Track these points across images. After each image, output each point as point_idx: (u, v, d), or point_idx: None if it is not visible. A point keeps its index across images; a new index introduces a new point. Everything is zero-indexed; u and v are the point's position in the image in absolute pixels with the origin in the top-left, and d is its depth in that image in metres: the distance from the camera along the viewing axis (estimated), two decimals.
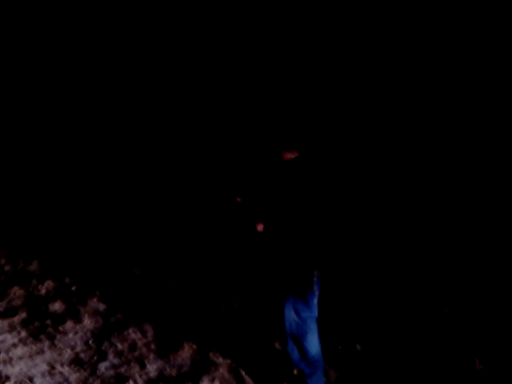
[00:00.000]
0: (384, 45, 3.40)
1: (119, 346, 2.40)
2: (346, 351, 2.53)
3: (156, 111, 4.66)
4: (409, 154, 3.51)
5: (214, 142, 4.28)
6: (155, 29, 4.28)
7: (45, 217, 4.30)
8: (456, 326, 2.74)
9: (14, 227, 4.06)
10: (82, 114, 4.89)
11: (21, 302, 2.80)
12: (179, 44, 4.25)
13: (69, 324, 2.57)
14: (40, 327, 2.51)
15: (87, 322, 2.60)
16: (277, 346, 2.51)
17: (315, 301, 1.97)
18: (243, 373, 2.25)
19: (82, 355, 2.29)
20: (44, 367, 2.16)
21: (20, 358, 2.21)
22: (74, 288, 3.02)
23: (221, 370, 2.26)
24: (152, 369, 2.24)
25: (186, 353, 2.39)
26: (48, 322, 2.59)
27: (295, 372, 2.04)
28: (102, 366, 2.22)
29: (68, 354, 2.29)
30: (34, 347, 2.31)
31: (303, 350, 1.98)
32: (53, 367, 2.17)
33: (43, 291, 2.97)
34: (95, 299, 2.88)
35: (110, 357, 2.30)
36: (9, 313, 2.66)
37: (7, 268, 3.27)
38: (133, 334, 2.52)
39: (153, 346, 2.42)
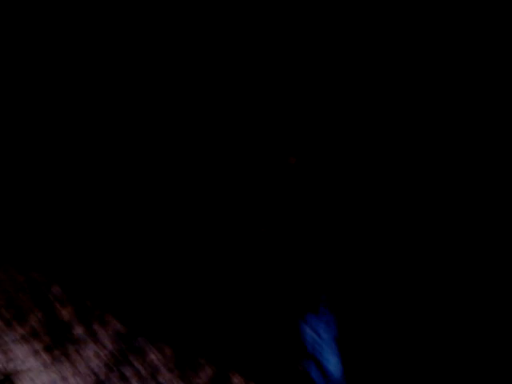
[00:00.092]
0: (387, 50, 3.41)
1: (140, 368, 2.43)
2: (366, 369, 2.50)
3: (158, 117, 4.66)
4: (412, 158, 3.50)
5: (218, 147, 4.29)
6: (156, 30, 4.28)
7: (64, 240, 4.38)
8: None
9: (35, 251, 4.16)
10: (80, 116, 4.87)
11: (43, 327, 2.86)
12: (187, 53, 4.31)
13: (91, 347, 2.61)
14: (63, 351, 2.56)
15: (108, 345, 2.64)
16: (297, 365, 2.50)
17: (334, 320, 1.97)
18: None
19: (104, 378, 2.32)
20: None
21: None
22: (94, 311, 3.07)
23: None
24: None
25: (205, 373, 2.40)
26: (70, 346, 2.63)
27: None
28: None
29: (91, 378, 2.32)
30: (57, 372, 2.35)
31: (323, 369, 1.98)
32: None
33: (65, 316, 3.03)
34: (115, 322, 2.92)
35: (132, 380, 2.32)
36: (32, 337, 2.71)
37: (30, 292, 3.35)
38: (153, 356, 2.54)
39: (173, 367, 2.44)
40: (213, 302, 3.24)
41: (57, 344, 2.64)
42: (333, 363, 1.96)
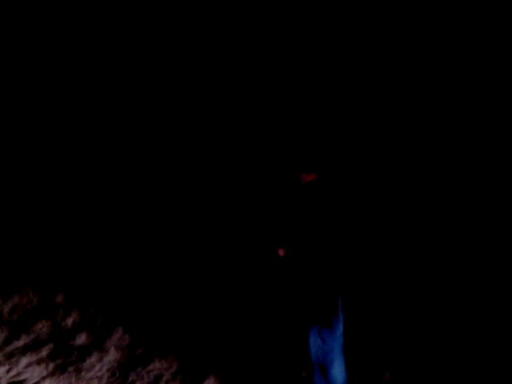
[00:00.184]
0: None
1: (145, 377, 2.41)
2: (374, 379, 2.47)
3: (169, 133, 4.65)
4: (427, 176, 3.51)
5: (232, 165, 4.30)
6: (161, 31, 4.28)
7: (68, 249, 4.39)
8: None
9: (40, 260, 4.16)
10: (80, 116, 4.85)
11: (48, 335, 2.85)
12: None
13: (95, 356, 2.60)
14: (67, 360, 2.55)
15: (113, 354, 2.62)
16: (303, 375, 2.47)
17: (341, 328, 1.96)
18: None
19: None
20: None
21: None
22: (99, 319, 3.06)
23: None
24: None
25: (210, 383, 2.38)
26: (75, 354, 2.62)
27: None
28: None
29: None
30: (62, 380, 2.34)
31: (330, 379, 1.96)
32: None
33: (69, 324, 3.02)
34: (120, 330, 2.91)
35: None
36: (36, 346, 2.70)
37: (34, 301, 3.34)
38: (158, 366, 2.52)
39: (178, 378, 2.41)
40: (219, 312, 3.23)
41: (61, 352, 2.63)
42: (338, 371, 1.94)
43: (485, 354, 2.62)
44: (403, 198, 3.54)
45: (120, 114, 4.78)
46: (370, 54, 3.50)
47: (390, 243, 3.48)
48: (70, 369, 2.45)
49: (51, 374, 2.39)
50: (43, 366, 2.47)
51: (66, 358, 2.57)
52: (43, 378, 2.35)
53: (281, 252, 2.05)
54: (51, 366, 2.48)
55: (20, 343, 2.74)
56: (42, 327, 2.94)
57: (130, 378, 2.39)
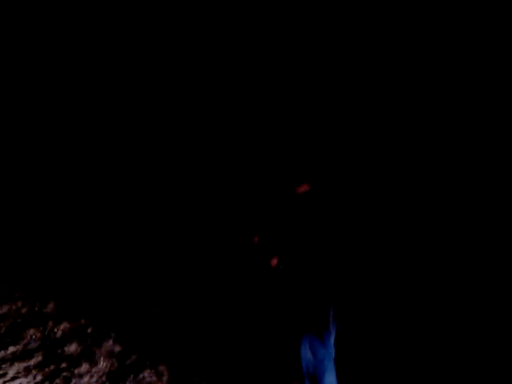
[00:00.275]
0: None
1: None
2: None
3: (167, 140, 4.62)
4: (426, 184, 3.51)
5: (226, 175, 4.29)
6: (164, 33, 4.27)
7: (59, 258, 4.36)
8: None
9: (30, 269, 4.13)
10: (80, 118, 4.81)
11: (37, 345, 2.81)
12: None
13: (84, 366, 2.56)
14: (56, 370, 2.51)
15: (103, 365, 2.59)
16: None
17: (332, 340, 1.95)
18: None
19: None
20: None
21: None
22: (89, 329, 3.03)
23: None
24: None
25: None
26: (64, 364, 2.58)
27: None
28: None
29: None
30: None
31: None
32: None
33: (59, 333, 2.98)
34: (110, 341, 2.87)
35: None
36: (25, 356, 2.66)
37: (24, 310, 3.30)
38: (148, 377, 2.49)
39: None
40: (211, 321, 3.21)
41: (50, 362, 2.59)
42: (328, 382, 1.93)
43: (483, 360, 2.62)
44: (397, 210, 3.54)
45: (120, 114, 4.76)
46: (368, 57, 3.51)
47: (383, 253, 3.48)
48: (58, 380, 2.42)
49: None
50: (31, 376, 2.44)
51: (55, 367, 2.53)
52: None
53: (273, 262, 2.05)
54: (39, 376, 2.44)
55: (8, 353, 2.70)
56: (32, 337, 2.91)
57: None
